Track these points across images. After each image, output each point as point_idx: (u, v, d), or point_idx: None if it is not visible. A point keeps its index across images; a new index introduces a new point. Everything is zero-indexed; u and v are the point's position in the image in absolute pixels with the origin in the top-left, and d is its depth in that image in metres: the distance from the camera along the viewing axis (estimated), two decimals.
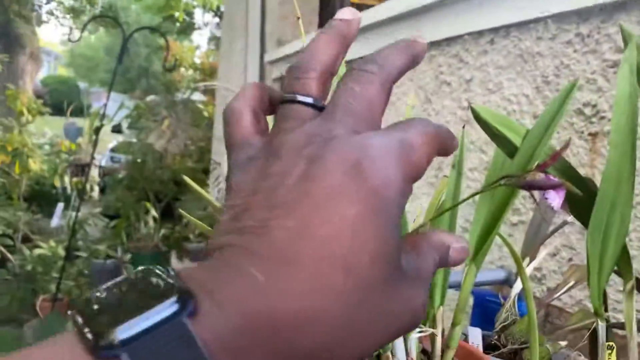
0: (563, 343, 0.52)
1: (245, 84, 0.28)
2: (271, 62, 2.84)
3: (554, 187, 0.24)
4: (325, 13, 3.17)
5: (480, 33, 1.20)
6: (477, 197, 0.46)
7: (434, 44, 1.38)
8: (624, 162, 0.36)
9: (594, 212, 0.37)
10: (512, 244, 0.46)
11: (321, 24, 2.99)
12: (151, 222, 2.70)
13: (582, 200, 0.39)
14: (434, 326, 0.44)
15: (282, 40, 2.79)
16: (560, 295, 0.57)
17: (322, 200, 0.19)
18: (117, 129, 6.11)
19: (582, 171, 0.94)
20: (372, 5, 3.36)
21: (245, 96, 0.27)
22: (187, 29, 18.63)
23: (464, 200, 0.31)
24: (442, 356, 0.45)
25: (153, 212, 2.88)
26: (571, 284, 0.57)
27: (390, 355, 0.44)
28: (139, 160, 4.13)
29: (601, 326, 0.41)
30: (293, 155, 0.21)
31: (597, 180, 0.83)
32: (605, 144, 0.89)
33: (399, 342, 0.44)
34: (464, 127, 0.53)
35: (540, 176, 0.25)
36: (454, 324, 0.44)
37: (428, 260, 0.23)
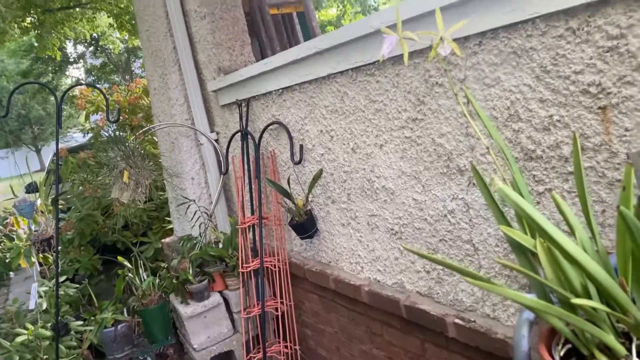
0: None
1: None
2: (216, 91, 2.85)
3: None
4: (254, 30, 3.22)
5: (466, 38, 1.36)
6: None
7: (415, 52, 1.53)
8: None
9: None
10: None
11: (252, 42, 3.04)
12: (144, 275, 2.64)
13: None
14: None
15: (223, 67, 2.82)
16: None
17: None
18: (32, 189, 5.73)
19: (599, 139, 1.13)
20: (299, 13, 3.47)
21: None
22: (63, 65, 17.47)
23: None
24: None
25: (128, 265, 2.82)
26: None
27: None
28: (84, 214, 3.95)
29: None
30: None
31: (615, 145, 1.01)
32: (615, 113, 1.09)
33: None
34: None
35: None
36: None
37: None
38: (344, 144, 1.98)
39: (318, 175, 2.15)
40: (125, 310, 2.65)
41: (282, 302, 2.48)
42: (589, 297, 0.61)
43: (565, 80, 1.16)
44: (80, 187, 4.18)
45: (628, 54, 1.04)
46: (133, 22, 9.15)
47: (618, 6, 1.03)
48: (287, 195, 2.26)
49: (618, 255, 0.59)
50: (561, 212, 0.62)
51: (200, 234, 2.84)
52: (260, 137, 2.45)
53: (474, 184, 1.49)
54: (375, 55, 1.67)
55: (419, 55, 1.53)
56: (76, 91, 5.30)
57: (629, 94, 1.06)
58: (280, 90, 2.27)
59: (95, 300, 3.11)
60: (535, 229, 0.56)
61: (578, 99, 1.15)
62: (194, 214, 2.85)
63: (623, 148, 1.09)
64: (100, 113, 4.65)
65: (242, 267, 2.45)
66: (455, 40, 1.40)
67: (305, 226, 2.23)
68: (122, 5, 9.28)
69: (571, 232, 0.64)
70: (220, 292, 2.75)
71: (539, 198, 1.31)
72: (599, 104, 1.11)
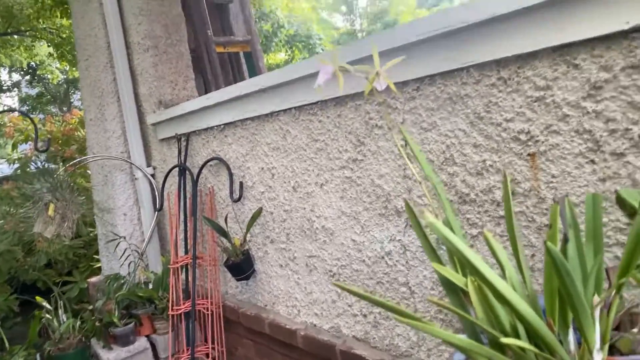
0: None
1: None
2: (155, 124, 2.78)
3: None
4: (199, 67, 3.20)
5: (405, 83, 1.40)
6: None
7: (357, 94, 1.56)
8: None
9: None
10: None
11: (197, 79, 3.02)
12: (63, 317, 2.42)
13: None
14: None
15: (164, 101, 2.76)
16: None
17: None
18: None
19: (528, 184, 1.17)
20: (246, 53, 3.48)
21: None
22: None
23: None
24: None
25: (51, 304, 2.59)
26: None
27: None
28: (2, 250, 3.66)
29: None
30: None
31: (543, 191, 1.05)
32: (543, 160, 1.14)
33: None
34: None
35: None
36: None
37: None
38: (285, 183, 1.95)
39: (257, 214, 2.10)
40: (38, 355, 2.42)
41: (213, 348, 2.35)
42: (518, 337, 0.61)
43: (497, 127, 1.21)
44: (1, 221, 3.88)
45: (554, 104, 1.09)
46: (75, 52, 8.90)
47: (545, 60, 1.09)
48: (224, 234, 2.18)
49: (545, 294, 0.59)
50: (492, 251, 0.62)
51: (129, 274, 2.68)
52: (199, 172, 2.38)
53: (410, 226, 1.50)
54: (318, 96, 1.68)
55: (360, 98, 1.55)
56: (5, 119, 5.01)
57: (555, 142, 1.11)
58: (222, 126, 2.23)
59: (7, 344, 2.83)
60: (465, 265, 0.56)
61: (509, 146, 1.19)
62: (124, 252, 2.70)
63: (550, 194, 1.14)
64: (29, 143, 4.41)
65: (172, 309, 2.31)
66: (394, 84, 1.43)
67: (242, 267, 2.15)
68: (64, 35, 9.03)
69: (502, 272, 0.64)
70: (147, 336, 2.57)
71: (472, 241, 1.33)
72: (528, 151, 1.16)
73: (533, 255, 1.19)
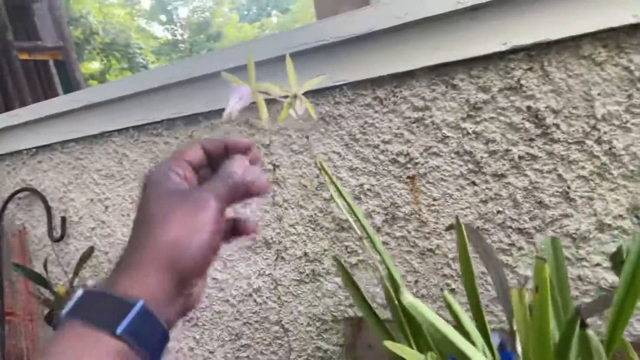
0: None
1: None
2: None
3: None
4: None
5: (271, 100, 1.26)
6: None
7: (212, 113, 1.37)
8: None
9: None
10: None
11: None
12: None
13: None
14: None
15: None
16: None
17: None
18: None
19: (409, 208, 1.13)
20: (58, 63, 2.96)
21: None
22: None
23: None
24: None
25: None
26: None
27: None
28: None
29: None
30: None
31: (424, 214, 1.01)
32: (423, 183, 1.10)
33: None
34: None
35: None
36: None
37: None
38: (122, 216, 1.64)
39: (87, 255, 1.73)
40: None
41: None
42: None
43: (375, 149, 1.14)
44: None
45: (433, 125, 1.06)
46: None
47: (422, 79, 1.05)
48: (43, 282, 1.76)
49: None
50: (454, 315, 0.51)
51: None
52: (4, 207, 1.90)
53: (282, 258, 1.35)
54: (163, 114, 1.44)
55: (215, 116, 1.36)
56: None
57: (435, 164, 1.08)
58: (34, 150, 1.81)
59: None
60: (441, 344, 0.43)
61: (388, 168, 1.13)
62: None
63: (432, 217, 1.10)
64: None
65: None
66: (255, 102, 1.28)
67: None
68: None
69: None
70: None
71: (352, 270, 1.24)
72: (408, 174, 1.11)
73: (417, 282, 1.15)
